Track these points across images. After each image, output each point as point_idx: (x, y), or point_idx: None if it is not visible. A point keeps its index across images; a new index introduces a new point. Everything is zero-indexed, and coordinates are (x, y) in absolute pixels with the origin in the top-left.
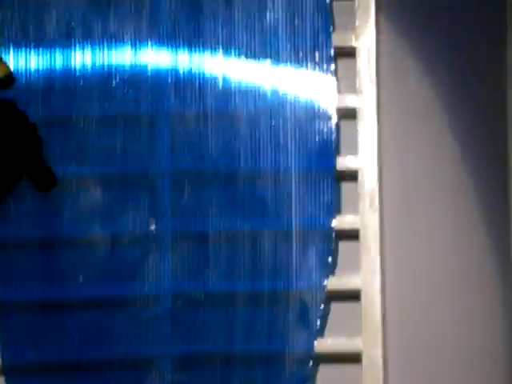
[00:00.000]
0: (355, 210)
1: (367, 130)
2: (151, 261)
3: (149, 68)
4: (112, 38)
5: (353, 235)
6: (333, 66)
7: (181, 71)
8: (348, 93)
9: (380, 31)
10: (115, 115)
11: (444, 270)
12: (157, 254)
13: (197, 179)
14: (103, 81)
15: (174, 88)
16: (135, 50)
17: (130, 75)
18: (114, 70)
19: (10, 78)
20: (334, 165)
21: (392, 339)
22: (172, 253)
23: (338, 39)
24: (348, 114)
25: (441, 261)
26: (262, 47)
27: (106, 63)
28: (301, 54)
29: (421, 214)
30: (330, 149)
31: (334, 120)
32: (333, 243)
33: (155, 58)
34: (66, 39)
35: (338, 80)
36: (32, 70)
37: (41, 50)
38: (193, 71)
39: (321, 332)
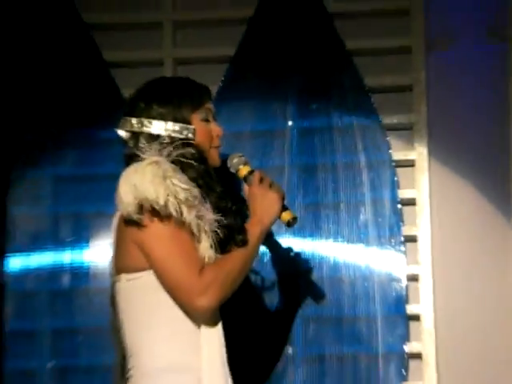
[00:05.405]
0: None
1: (426, 288)
2: None
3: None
4: None
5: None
6: (403, 248)
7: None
8: (413, 264)
9: None
10: None
11: None
12: None
13: None
14: None
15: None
16: None
17: None
18: None
19: (295, 220)
20: (404, 310)
21: None
22: None
23: (406, 229)
24: (413, 279)
25: None
26: (358, 236)
27: None
28: (383, 240)
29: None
30: (401, 299)
31: (404, 282)
32: (405, 361)
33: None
34: None
35: (406, 256)
36: None
37: None
38: (315, 252)
39: None
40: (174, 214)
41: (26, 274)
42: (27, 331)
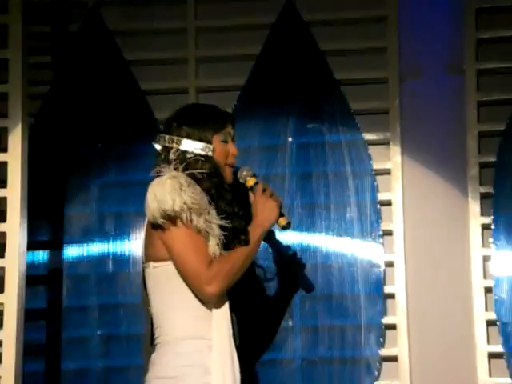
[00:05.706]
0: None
1: (400, 273)
2: None
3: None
4: None
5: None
6: (381, 240)
7: (305, 244)
8: (389, 253)
9: None
10: None
11: None
12: None
13: None
14: None
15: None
16: None
17: None
18: None
19: (289, 225)
20: (382, 290)
21: None
22: None
23: (384, 225)
24: (390, 265)
25: None
26: (345, 230)
27: None
28: (365, 234)
29: None
30: (379, 281)
31: (382, 267)
32: (382, 331)
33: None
34: None
35: (383, 247)
36: None
37: None
38: (310, 244)
39: None
40: (185, 219)
41: (78, 261)
42: (80, 307)
